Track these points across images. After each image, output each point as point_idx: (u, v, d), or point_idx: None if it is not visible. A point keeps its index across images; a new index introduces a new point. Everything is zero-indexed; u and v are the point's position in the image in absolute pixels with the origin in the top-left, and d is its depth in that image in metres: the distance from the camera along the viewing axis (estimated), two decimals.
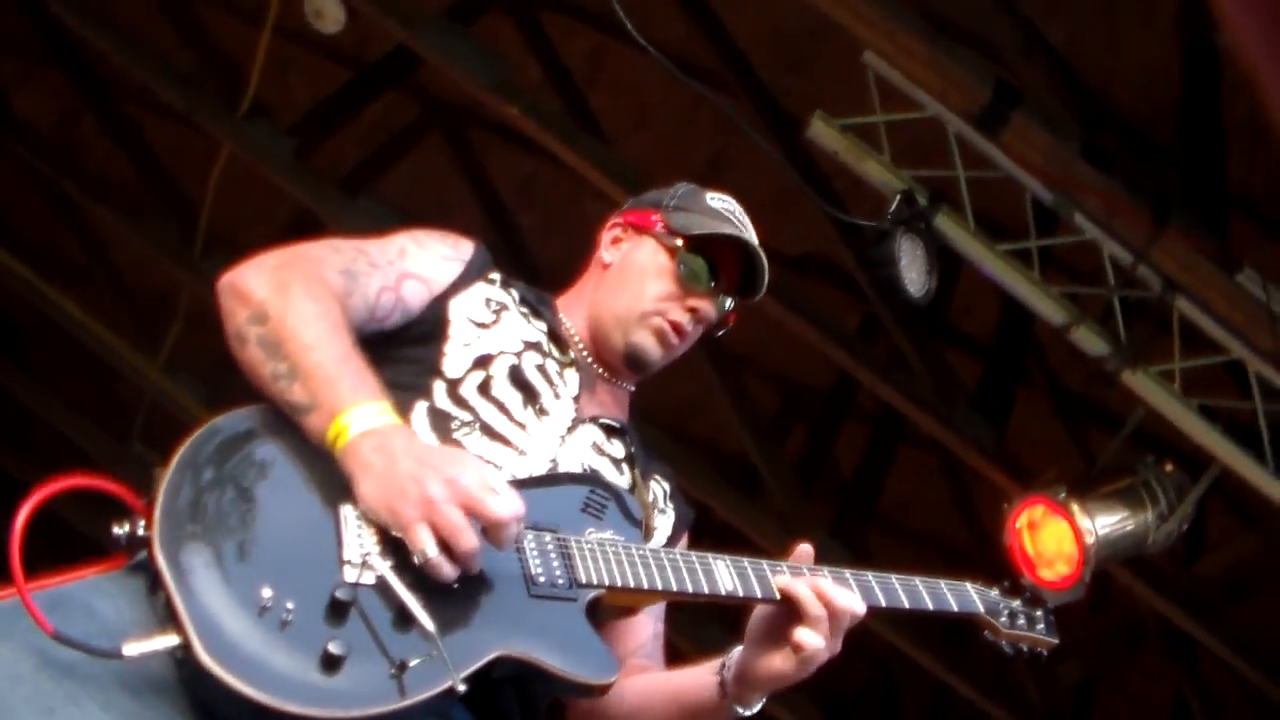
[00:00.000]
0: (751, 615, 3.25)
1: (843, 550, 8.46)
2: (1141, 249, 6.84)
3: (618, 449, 3.44)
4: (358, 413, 2.90)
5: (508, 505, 2.88)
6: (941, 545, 9.96)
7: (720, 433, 9.54)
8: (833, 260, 8.40)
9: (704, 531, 3.61)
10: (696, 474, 8.78)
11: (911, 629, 8.81)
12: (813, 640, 3.12)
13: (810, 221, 7.69)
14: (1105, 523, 7.33)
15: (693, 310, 3.51)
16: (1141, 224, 6.83)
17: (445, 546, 2.84)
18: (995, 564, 7.29)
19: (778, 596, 3.18)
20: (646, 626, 3.43)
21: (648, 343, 3.50)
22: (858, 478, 9.54)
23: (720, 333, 3.60)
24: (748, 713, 3.23)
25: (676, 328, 3.51)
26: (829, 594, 3.14)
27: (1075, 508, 7.27)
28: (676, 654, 3.47)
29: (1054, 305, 7.09)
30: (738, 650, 3.25)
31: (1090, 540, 7.24)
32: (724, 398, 8.69)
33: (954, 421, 7.94)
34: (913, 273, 6.73)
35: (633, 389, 3.59)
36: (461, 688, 2.77)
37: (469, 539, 2.85)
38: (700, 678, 3.29)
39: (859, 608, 3.17)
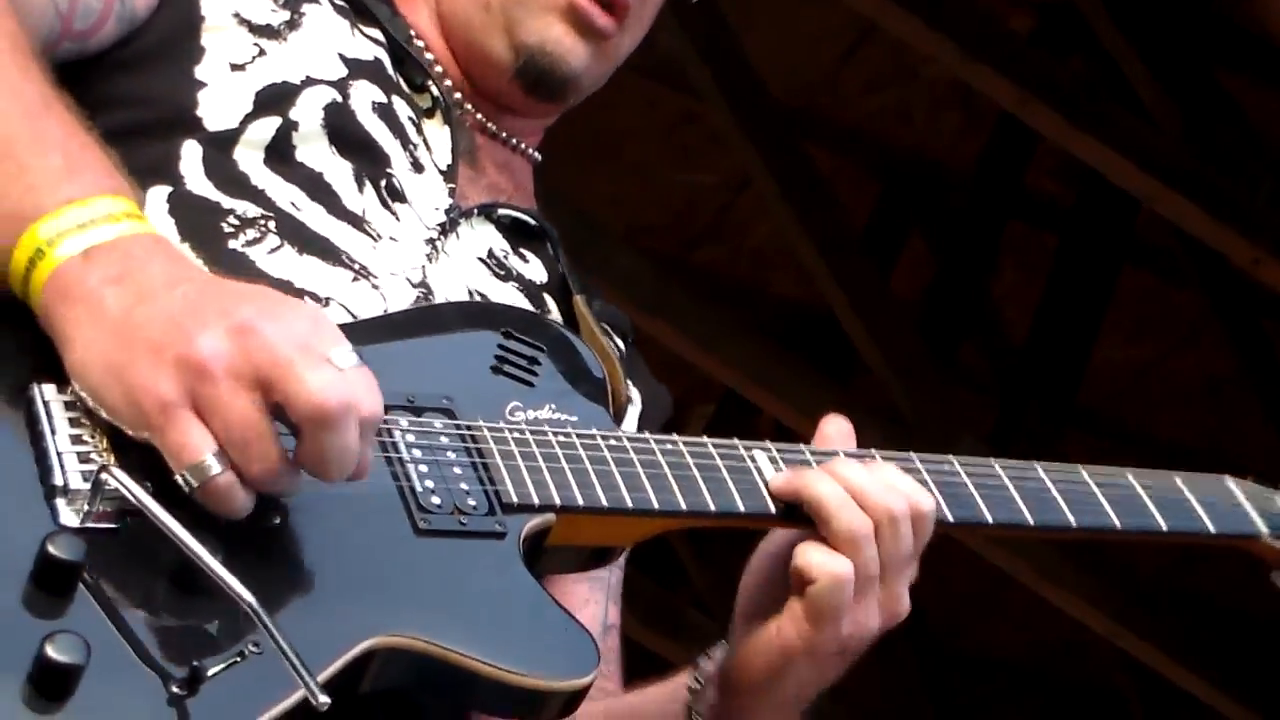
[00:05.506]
0: (745, 574, 1.93)
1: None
2: None
3: (534, 267, 2.06)
4: (76, 215, 1.62)
5: (344, 382, 1.57)
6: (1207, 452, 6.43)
7: (738, 241, 6.54)
8: None
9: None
10: (686, 314, 5.50)
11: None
12: (825, 563, 1.80)
13: None
14: None
15: None
16: None
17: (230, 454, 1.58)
18: None
19: (771, 508, 1.85)
20: (588, 605, 2.03)
21: (553, 35, 2.00)
22: (1042, 332, 6.23)
23: None
24: None
25: None
26: (857, 481, 1.81)
27: None
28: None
29: None
30: (720, 649, 1.94)
31: None
32: (767, 180, 5.46)
33: None
34: None
35: (537, 157, 2.15)
36: (324, 700, 1.54)
37: (264, 444, 1.56)
38: (661, 704, 1.95)
39: (919, 499, 1.83)
